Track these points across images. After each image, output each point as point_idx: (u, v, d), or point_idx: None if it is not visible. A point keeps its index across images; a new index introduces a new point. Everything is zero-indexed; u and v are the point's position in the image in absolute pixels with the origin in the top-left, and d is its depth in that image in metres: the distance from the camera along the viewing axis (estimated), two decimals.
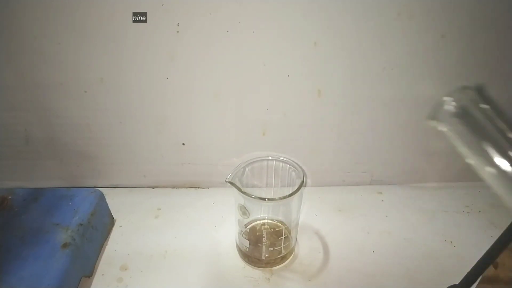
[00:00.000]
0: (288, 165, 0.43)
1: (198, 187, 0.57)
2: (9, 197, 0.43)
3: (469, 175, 0.58)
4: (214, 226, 0.49)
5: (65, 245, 0.38)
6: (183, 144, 0.52)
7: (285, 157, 0.43)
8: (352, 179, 0.57)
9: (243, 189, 0.39)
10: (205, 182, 0.56)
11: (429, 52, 0.45)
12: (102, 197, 0.46)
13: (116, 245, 0.46)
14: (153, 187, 0.57)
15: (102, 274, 0.42)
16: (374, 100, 0.49)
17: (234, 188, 0.39)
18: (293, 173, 0.43)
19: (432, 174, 0.58)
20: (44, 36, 0.42)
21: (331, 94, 0.48)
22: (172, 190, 0.56)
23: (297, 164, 0.42)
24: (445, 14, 0.43)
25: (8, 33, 0.42)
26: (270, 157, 0.44)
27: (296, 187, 0.39)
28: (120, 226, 0.49)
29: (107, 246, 0.46)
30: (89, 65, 0.44)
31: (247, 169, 0.43)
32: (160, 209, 0.52)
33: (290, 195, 0.38)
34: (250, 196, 0.38)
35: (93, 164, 0.53)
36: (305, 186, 0.51)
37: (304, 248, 0.46)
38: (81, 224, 0.41)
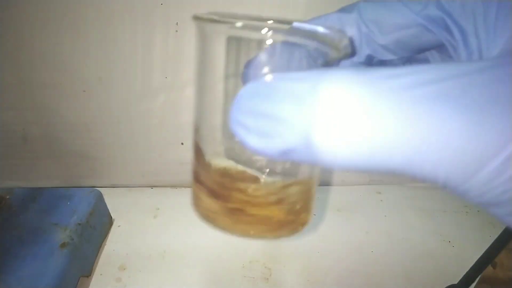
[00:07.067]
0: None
1: None
2: (8, 197, 0.43)
3: None
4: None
5: (63, 245, 0.38)
6: (182, 143, 0.52)
7: None
8: (351, 179, 0.57)
9: None
10: None
11: None
12: (100, 197, 0.46)
13: (115, 245, 0.46)
14: (152, 186, 0.56)
15: (101, 274, 0.42)
16: None
17: None
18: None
19: None
20: (42, 35, 0.42)
21: None
22: (170, 189, 0.56)
23: None
24: None
25: (6, 32, 0.42)
26: None
27: None
28: (119, 226, 0.49)
29: (105, 246, 0.46)
30: (87, 64, 0.44)
31: None
32: (158, 209, 0.52)
33: None
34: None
35: (92, 163, 0.53)
36: None
37: (303, 247, 0.46)
38: (79, 224, 0.41)
